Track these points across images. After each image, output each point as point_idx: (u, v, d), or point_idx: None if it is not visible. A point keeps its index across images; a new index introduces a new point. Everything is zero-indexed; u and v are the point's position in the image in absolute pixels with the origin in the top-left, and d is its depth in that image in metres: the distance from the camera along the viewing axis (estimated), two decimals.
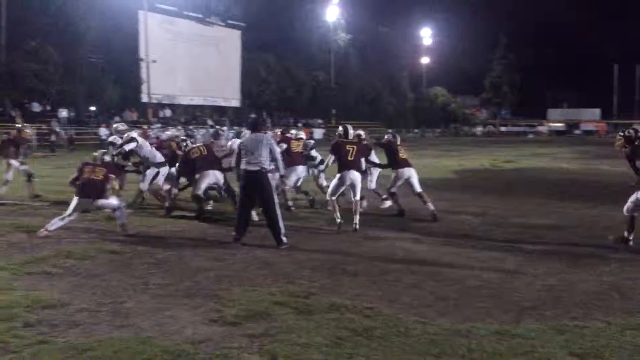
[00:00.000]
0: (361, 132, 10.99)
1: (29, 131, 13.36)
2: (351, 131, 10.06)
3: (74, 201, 8.74)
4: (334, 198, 9.61)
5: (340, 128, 10.17)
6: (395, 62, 69.68)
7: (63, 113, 38.98)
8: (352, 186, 9.57)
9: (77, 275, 6.62)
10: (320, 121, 57.35)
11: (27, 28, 37.00)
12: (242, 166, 8.39)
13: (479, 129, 74.84)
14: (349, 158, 9.50)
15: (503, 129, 74.35)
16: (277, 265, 7.07)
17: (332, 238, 8.82)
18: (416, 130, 67.64)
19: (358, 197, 9.59)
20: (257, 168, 8.25)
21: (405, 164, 10.82)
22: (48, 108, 38.84)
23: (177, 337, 4.63)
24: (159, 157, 11.10)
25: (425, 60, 77.03)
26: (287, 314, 5.18)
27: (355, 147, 9.67)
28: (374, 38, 66.22)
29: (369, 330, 4.79)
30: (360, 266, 7.01)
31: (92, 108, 42.57)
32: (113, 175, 9.01)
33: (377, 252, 7.83)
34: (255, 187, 8.34)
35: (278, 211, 8.32)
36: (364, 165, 9.98)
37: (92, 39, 40.50)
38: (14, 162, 12.55)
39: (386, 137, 11.61)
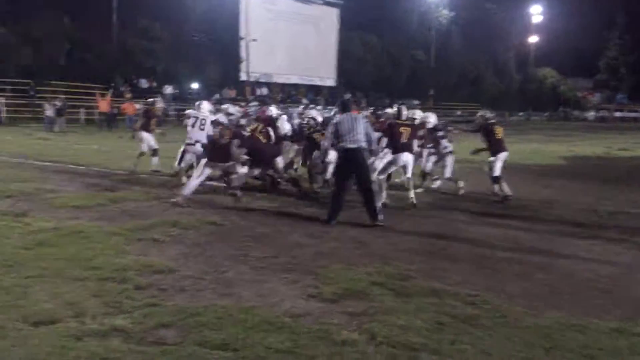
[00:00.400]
0: (418, 113, 10.95)
1: (160, 106, 13.79)
2: (405, 112, 10.05)
3: (202, 162, 9.58)
4: (382, 177, 9.85)
5: (394, 108, 10.25)
6: (501, 41, 66.97)
7: (168, 90, 40.60)
8: (404, 167, 9.82)
9: (183, 243, 6.96)
10: (416, 102, 56.49)
11: (138, 7, 38.71)
12: (340, 145, 8.46)
13: (590, 114, 69.84)
14: (403, 140, 9.58)
15: (618, 114, 69.08)
16: (372, 245, 7.12)
17: (427, 221, 8.75)
18: (521, 114, 65.14)
19: (410, 175, 9.81)
20: (355, 146, 8.31)
21: (503, 147, 10.56)
22: (154, 84, 40.55)
23: (277, 310, 4.78)
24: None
25: (533, 39, 73.26)
26: (385, 295, 5.21)
27: (409, 128, 9.75)
28: (478, 15, 63.84)
29: (473, 318, 4.72)
30: (462, 251, 6.92)
31: (194, 86, 44.06)
32: (237, 140, 9.59)
33: (479, 238, 7.68)
34: (353, 165, 8.42)
35: (375, 188, 8.50)
36: (416, 146, 10.12)
37: (197, 18, 41.78)
38: (146, 135, 13.01)
39: (479, 117, 11.32)
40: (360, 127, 8.37)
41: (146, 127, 13.05)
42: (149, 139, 13.02)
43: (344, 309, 4.86)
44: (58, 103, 27.86)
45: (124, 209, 8.86)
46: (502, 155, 10.51)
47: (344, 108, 8.82)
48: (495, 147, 10.51)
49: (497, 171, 10.43)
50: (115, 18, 39.68)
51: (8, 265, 5.66)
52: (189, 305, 4.81)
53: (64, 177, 11.91)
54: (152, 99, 14.06)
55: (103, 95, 31.43)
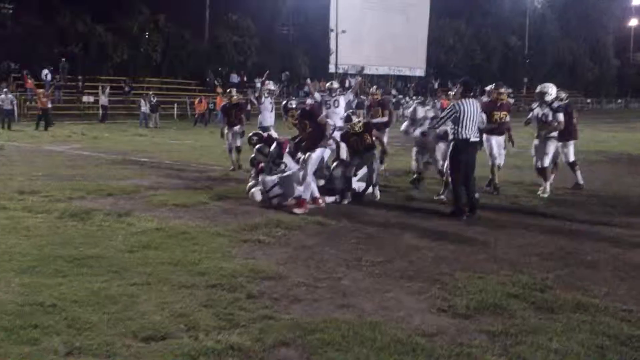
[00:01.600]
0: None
1: (235, 96, 13.30)
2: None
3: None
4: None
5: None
6: (599, 25, 63.42)
7: (258, 84, 40.81)
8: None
9: (289, 245, 6.54)
10: (509, 90, 54.18)
11: (229, 2, 39.11)
12: (461, 135, 7.79)
13: None
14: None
15: None
16: (496, 248, 6.42)
17: (545, 221, 7.91)
18: (619, 101, 61.45)
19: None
20: (477, 139, 7.77)
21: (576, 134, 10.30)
22: (245, 79, 40.90)
23: (406, 326, 4.22)
24: None
25: (633, 22, 68.98)
26: (525, 310, 4.54)
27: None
28: None
29: (636, 340, 4.00)
30: (600, 256, 6.11)
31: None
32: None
33: (615, 240, 6.82)
34: (471, 158, 7.91)
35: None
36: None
37: (287, 11, 41.80)
38: (236, 128, 12.62)
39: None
40: (478, 118, 7.71)
41: (229, 122, 12.75)
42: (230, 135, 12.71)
43: (481, 327, 4.23)
44: (153, 99, 28.45)
45: (225, 207, 8.56)
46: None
47: (467, 91, 7.97)
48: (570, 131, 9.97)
49: (572, 156, 10.22)
50: (208, 14, 40.26)
51: (113, 271, 5.39)
52: (307, 319, 4.34)
53: (161, 174, 11.84)
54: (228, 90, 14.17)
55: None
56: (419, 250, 6.33)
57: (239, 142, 12.55)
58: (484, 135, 9.28)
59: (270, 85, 13.81)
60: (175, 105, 34.55)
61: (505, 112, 9.51)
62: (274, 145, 9.18)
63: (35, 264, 5.53)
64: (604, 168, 10.39)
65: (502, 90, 9.72)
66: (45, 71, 32.21)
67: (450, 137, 8.06)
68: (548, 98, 9.23)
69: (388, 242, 6.75)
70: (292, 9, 43.43)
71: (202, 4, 40.64)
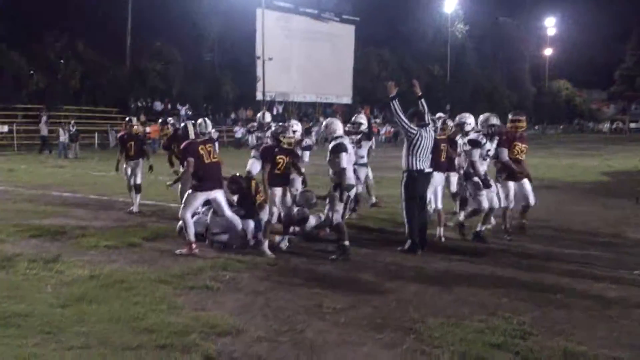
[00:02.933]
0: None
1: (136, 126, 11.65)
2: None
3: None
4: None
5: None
6: (516, 54, 66.24)
7: (182, 111, 39.94)
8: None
9: (240, 291, 6.01)
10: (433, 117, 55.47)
11: (152, 29, 38.20)
12: (416, 166, 7.55)
13: (605, 126, 69.27)
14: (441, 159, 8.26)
15: (633, 125, 68.23)
16: (461, 288, 6.10)
17: (501, 255, 7.72)
18: (537, 127, 64.09)
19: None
20: (431, 170, 7.72)
21: None
22: (169, 107, 39.90)
23: None
24: None
25: (548, 51, 72.50)
26: None
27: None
28: (493, 29, 63.29)
29: None
30: (568, 294, 5.88)
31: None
32: None
33: (575, 274, 6.66)
34: (423, 189, 7.76)
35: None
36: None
37: (212, 38, 41.25)
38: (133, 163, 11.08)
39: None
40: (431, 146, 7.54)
41: (127, 155, 11.02)
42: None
43: None
44: (72, 128, 27.11)
45: (163, 248, 7.90)
46: None
47: (421, 119, 7.67)
48: None
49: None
50: (129, 41, 39.13)
51: (46, 332, 4.70)
52: None
53: (88, 210, 11.00)
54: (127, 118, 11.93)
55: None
56: (380, 293, 5.94)
57: (138, 179, 10.99)
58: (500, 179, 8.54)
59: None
60: (96, 134, 33.16)
61: (525, 145, 8.58)
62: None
63: None
64: (543, 196, 10.35)
65: (523, 117, 8.66)
66: None
67: (404, 167, 7.76)
68: (467, 128, 8.84)
69: (345, 283, 6.33)
70: (217, 36, 42.88)
71: (123, 30, 39.48)
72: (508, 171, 8.43)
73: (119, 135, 11.75)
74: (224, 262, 7.01)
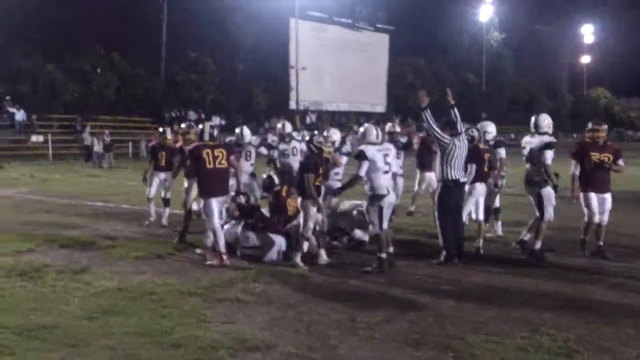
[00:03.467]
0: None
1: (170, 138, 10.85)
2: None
3: None
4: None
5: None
6: (553, 62, 65.16)
7: (216, 121, 40.15)
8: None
9: (271, 304, 5.80)
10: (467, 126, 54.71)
11: (187, 40, 38.61)
12: (451, 175, 7.33)
13: None
14: (484, 169, 7.93)
15: None
16: (501, 303, 5.80)
17: (537, 267, 7.37)
18: (575, 135, 62.79)
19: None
20: (466, 180, 7.54)
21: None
22: (203, 116, 40.18)
23: None
24: None
25: (586, 59, 71.15)
26: None
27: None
28: (529, 37, 62.35)
29: None
30: (616, 311, 5.53)
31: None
32: None
33: (616, 286, 6.31)
34: (459, 199, 7.57)
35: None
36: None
37: (246, 48, 41.50)
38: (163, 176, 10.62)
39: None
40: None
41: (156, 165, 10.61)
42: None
43: None
44: (107, 138, 27.41)
45: (193, 259, 7.77)
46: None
47: (453, 128, 7.45)
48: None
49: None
50: (164, 51, 39.60)
51: (71, 345, 4.57)
52: None
53: (119, 221, 10.93)
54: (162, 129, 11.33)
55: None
56: (416, 308, 5.67)
57: (168, 193, 10.51)
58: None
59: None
60: (130, 143, 33.50)
61: (608, 154, 7.85)
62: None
63: None
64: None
65: (602, 127, 8.01)
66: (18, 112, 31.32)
67: (439, 177, 7.51)
68: (489, 137, 8.57)
69: (379, 297, 6.08)
70: (251, 46, 43.19)
71: (158, 41, 40.01)
72: (588, 182, 7.81)
73: (150, 144, 11.43)
74: (255, 274, 6.83)
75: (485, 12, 58.72)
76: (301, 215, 7.45)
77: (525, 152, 7.90)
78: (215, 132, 7.94)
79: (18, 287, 6.21)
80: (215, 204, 7.50)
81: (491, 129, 8.66)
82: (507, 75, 60.73)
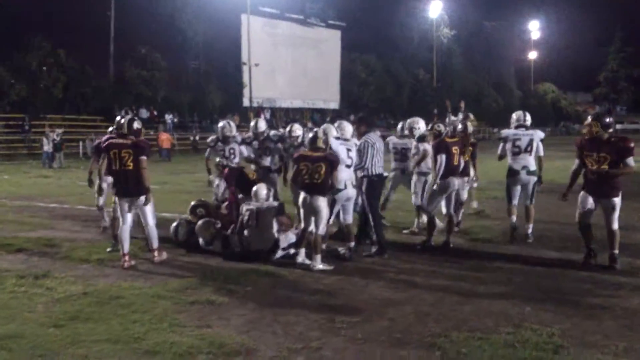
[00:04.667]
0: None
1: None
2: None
3: None
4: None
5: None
6: (501, 58, 66.58)
7: (168, 119, 39.40)
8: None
9: (245, 305, 5.63)
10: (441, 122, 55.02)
11: (136, 36, 37.79)
12: (375, 171, 7.63)
13: None
14: (454, 162, 7.93)
15: (619, 126, 68.63)
16: (479, 297, 5.77)
17: (512, 259, 7.41)
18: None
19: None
20: (383, 172, 7.85)
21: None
22: (155, 114, 39.38)
23: None
24: None
25: (533, 55, 72.97)
26: None
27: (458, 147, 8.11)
28: (478, 33, 63.53)
29: None
30: (593, 304, 5.55)
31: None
32: None
33: (593, 281, 6.36)
34: (379, 192, 8.03)
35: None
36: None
37: (197, 45, 40.85)
38: None
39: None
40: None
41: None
42: None
43: None
44: (56, 137, 26.47)
45: (157, 260, 7.49)
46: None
47: (370, 125, 8.06)
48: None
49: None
50: (113, 48, 38.61)
51: (39, 356, 4.31)
52: None
53: (76, 222, 10.53)
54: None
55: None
56: (394, 305, 5.58)
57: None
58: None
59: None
60: (81, 143, 32.49)
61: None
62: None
63: None
64: (542, 199, 9.87)
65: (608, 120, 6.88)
66: None
67: (364, 173, 7.61)
68: (416, 133, 9.00)
69: (355, 295, 5.97)
70: (202, 42, 42.52)
71: (106, 38, 38.98)
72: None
73: (95, 143, 9.86)
74: (225, 275, 6.64)
75: (435, 9, 59.40)
76: (322, 214, 7.04)
77: (521, 143, 8.22)
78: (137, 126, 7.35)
79: None
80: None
81: (421, 125, 9.06)
82: (456, 71, 61.61)
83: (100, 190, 8.38)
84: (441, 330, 4.82)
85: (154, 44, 38.82)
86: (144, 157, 7.11)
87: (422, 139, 8.98)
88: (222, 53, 43.27)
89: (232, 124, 9.65)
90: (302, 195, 7.08)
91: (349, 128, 7.70)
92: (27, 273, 6.60)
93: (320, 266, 6.89)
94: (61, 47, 35.21)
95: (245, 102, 43.35)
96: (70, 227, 9.95)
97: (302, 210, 7.19)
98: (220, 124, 9.70)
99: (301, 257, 7.09)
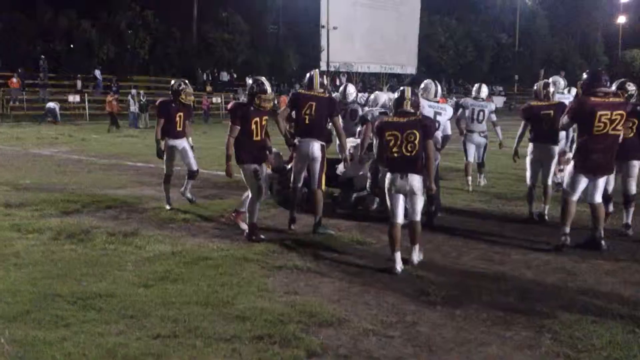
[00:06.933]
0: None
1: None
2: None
3: None
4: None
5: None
6: (588, 22, 62.86)
7: (249, 82, 39.58)
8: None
9: (333, 273, 5.45)
10: (500, 88, 53.31)
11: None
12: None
13: None
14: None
15: None
16: (579, 274, 5.37)
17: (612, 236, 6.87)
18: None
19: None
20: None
21: None
22: (235, 76, 39.64)
23: None
24: None
25: (621, 19, 68.52)
26: None
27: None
28: None
29: None
30: None
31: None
32: None
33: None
34: None
35: None
36: None
37: (277, 8, 40.68)
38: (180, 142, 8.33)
39: None
40: None
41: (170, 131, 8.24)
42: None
43: None
44: (142, 98, 27.08)
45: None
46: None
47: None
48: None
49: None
50: (196, 11, 38.95)
51: (129, 317, 4.26)
52: None
53: (162, 181, 10.59)
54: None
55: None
56: (491, 279, 5.25)
57: (194, 166, 8.28)
58: None
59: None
60: None
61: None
62: None
63: (29, 307, 4.38)
64: None
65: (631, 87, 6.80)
66: (97, 72, 32.02)
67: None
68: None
69: (448, 267, 5.67)
70: (281, 5, 42.32)
71: (189, 0, 39.34)
72: None
73: (161, 101, 8.42)
74: (312, 239, 6.49)
75: None
76: (419, 196, 5.64)
77: None
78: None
79: (68, 250, 5.93)
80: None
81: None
82: (540, 35, 58.76)
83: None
84: (548, 310, 4.47)
85: (234, 6, 38.91)
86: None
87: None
88: (300, 16, 42.93)
89: (350, 88, 9.40)
90: (388, 176, 5.65)
91: (435, 89, 7.28)
92: (116, 230, 6.66)
93: (420, 256, 5.78)
94: (148, 8, 35.77)
95: (323, 66, 42.95)
96: (157, 186, 9.99)
97: (388, 197, 5.68)
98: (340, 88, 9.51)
99: (417, 256, 5.76)
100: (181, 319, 4.23)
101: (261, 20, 40.53)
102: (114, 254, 5.83)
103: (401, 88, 5.80)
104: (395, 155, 5.53)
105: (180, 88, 8.01)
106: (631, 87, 6.82)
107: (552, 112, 7.28)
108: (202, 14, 39.08)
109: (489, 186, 10.06)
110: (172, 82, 8.30)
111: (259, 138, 6.48)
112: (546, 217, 7.48)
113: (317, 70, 7.31)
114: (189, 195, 8.34)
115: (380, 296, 4.85)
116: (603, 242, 6.08)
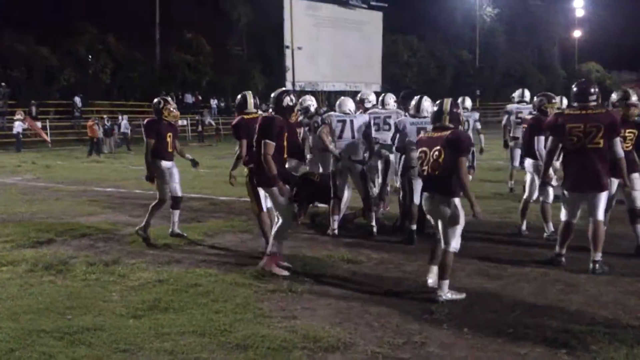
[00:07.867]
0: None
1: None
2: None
3: None
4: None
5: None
6: (545, 37, 64.52)
7: (213, 104, 39.30)
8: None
9: (329, 294, 5.26)
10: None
11: (181, 21, 37.62)
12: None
13: None
14: None
15: None
16: (579, 284, 5.29)
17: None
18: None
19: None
20: None
21: None
22: (200, 98, 39.29)
23: None
24: None
25: (577, 33, 70.58)
26: None
27: None
28: (522, 12, 61.48)
29: None
30: None
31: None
32: None
33: None
34: None
35: None
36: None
37: (241, 29, 40.64)
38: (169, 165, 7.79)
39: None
40: None
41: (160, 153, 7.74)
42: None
43: None
44: (106, 123, 26.53)
45: (226, 245, 7.22)
46: None
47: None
48: None
49: None
50: (158, 33, 38.59)
51: (122, 350, 3.99)
52: None
53: (136, 207, 10.25)
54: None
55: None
56: (492, 294, 5.13)
57: (179, 192, 7.75)
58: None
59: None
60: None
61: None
62: None
63: (13, 345, 4.07)
64: None
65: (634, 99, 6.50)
66: (77, 98, 31.65)
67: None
68: (367, 105, 8.77)
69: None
70: (245, 26, 42.26)
71: (151, 23, 38.93)
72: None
73: (149, 120, 7.80)
74: (301, 260, 6.29)
75: None
76: (452, 223, 5.08)
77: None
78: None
79: (46, 282, 5.60)
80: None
81: (371, 98, 9.13)
82: (500, 51, 60.01)
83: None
84: (558, 324, 4.35)
85: (197, 28, 38.69)
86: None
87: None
88: (265, 37, 42.99)
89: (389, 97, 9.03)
90: (424, 195, 5.24)
91: (425, 105, 7.22)
92: (95, 260, 6.34)
93: (448, 295, 4.99)
94: (108, 32, 35.23)
95: (288, 86, 42.97)
96: (131, 212, 9.71)
97: (428, 216, 5.34)
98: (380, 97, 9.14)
99: (445, 293, 4.99)
100: (178, 351, 3.99)
101: (224, 41, 40.34)
102: (97, 284, 5.53)
103: (441, 100, 5.25)
104: (424, 174, 5.13)
105: (161, 106, 7.58)
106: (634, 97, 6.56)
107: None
108: (165, 37, 38.74)
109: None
110: (155, 100, 7.84)
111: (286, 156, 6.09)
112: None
113: (249, 92, 7.15)
114: (178, 231, 7.67)
115: (382, 316, 4.68)
116: (597, 266, 5.63)
